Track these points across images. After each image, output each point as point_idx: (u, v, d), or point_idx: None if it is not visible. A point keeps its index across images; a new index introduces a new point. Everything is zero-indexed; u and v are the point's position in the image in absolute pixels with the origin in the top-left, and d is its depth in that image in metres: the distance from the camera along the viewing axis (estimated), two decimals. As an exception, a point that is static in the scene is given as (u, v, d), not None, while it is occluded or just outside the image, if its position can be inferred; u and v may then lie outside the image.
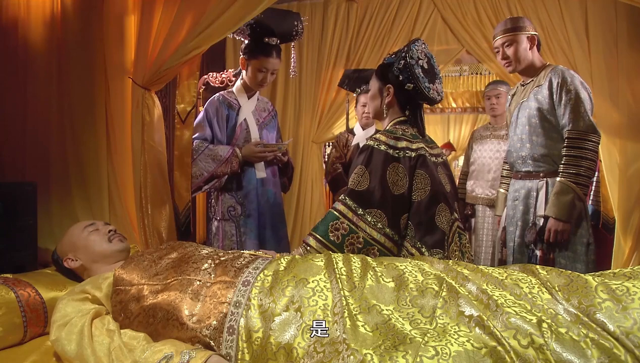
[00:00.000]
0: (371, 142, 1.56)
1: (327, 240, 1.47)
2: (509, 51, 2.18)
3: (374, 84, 1.75)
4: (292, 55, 2.33)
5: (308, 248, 1.50)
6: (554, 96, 2.06)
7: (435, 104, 1.69)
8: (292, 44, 2.30)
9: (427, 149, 1.59)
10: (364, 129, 3.14)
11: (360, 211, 1.48)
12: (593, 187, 2.84)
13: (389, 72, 1.65)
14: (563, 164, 2.01)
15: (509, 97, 2.40)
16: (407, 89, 1.60)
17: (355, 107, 3.19)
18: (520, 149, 2.19)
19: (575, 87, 2.02)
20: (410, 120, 1.66)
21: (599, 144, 2.02)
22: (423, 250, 1.49)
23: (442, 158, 1.69)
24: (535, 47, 2.20)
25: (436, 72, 1.66)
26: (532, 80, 2.19)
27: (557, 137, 2.08)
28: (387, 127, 1.67)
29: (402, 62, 1.59)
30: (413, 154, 1.53)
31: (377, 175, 1.49)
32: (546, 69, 2.15)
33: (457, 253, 1.56)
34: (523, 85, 2.26)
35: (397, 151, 1.52)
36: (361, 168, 1.52)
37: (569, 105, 2.02)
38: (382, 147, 1.52)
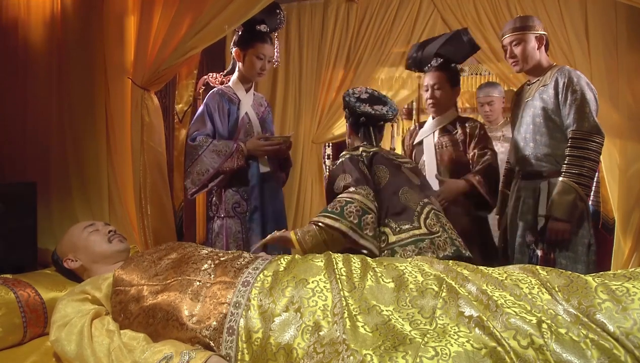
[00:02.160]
0: (339, 160, 1.88)
1: (344, 219, 1.65)
2: (517, 50, 2.16)
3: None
4: (276, 45, 2.31)
5: (321, 224, 1.66)
6: (560, 96, 2.05)
7: (388, 120, 2.00)
8: (276, 33, 2.30)
9: (384, 152, 1.91)
10: (433, 118, 2.46)
11: (347, 191, 1.73)
12: (593, 188, 2.83)
13: (346, 112, 2.03)
14: (566, 164, 2.00)
15: (515, 95, 2.38)
16: (362, 122, 1.97)
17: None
18: (523, 148, 2.19)
19: (581, 88, 2.01)
20: (372, 143, 1.98)
21: (602, 145, 2.01)
22: (391, 224, 1.71)
23: (410, 164, 1.96)
24: (543, 47, 2.18)
25: (379, 96, 2.02)
26: (538, 80, 2.18)
27: (560, 137, 2.07)
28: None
29: (346, 106, 1.99)
30: (370, 154, 1.85)
31: (354, 169, 1.77)
32: (552, 69, 2.14)
33: (437, 227, 1.72)
34: (529, 85, 2.25)
35: (358, 154, 1.85)
36: (342, 175, 1.79)
37: (574, 105, 2.01)
38: (347, 156, 1.85)
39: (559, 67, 2.15)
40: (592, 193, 2.77)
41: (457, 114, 2.39)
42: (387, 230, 1.71)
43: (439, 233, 1.71)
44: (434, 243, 1.68)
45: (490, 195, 2.16)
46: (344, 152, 1.91)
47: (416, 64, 2.43)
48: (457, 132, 2.31)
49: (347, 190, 1.71)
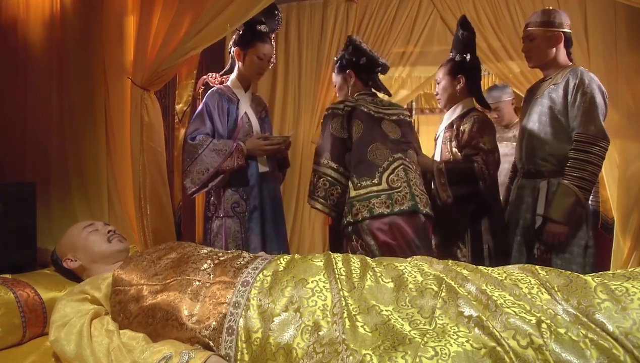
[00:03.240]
0: (325, 112, 2.07)
1: (316, 195, 1.97)
2: (532, 46, 2.13)
3: (336, 79, 2.21)
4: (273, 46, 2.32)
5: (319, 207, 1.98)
6: (569, 97, 2.02)
7: (386, 69, 2.21)
8: (273, 35, 2.31)
9: (366, 105, 2.02)
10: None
11: (316, 158, 2.00)
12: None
13: (344, 62, 2.17)
14: (568, 167, 1.98)
15: (527, 91, 2.36)
16: (363, 64, 2.12)
17: None
18: (527, 145, 2.17)
19: (591, 91, 1.98)
20: (370, 91, 2.17)
21: (607, 150, 1.98)
22: (354, 179, 1.90)
23: (396, 116, 2.10)
24: (562, 45, 2.12)
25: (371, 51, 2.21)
26: (550, 78, 2.15)
27: (564, 138, 2.05)
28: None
29: (351, 47, 2.15)
30: (346, 108, 1.99)
31: (325, 130, 1.99)
32: (566, 69, 2.10)
33: (399, 182, 1.88)
34: (542, 82, 2.22)
35: (340, 108, 2.01)
36: (320, 134, 2.06)
37: (583, 107, 1.98)
38: (330, 110, 2.03)
39: (573, 67, 2.10)
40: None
41: (468, 108, 2.27)
42: (350, 184, 1.90)
43: (399, 189, 1.86)
44: (392, 198, 1.84)
45: (442, 188, 2.06)
46: (329, 106, 2.07)
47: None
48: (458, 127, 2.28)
49: (316, 161, 1.99)
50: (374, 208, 1.82)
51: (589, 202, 2.10)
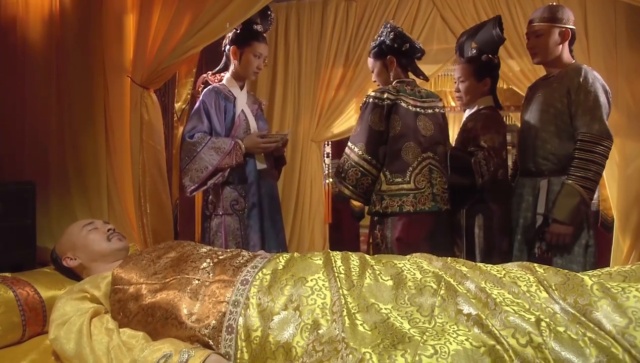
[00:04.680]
0: (366, 99, 2.07)
1: (346, 182, 2.05)
2: (539, 41, 2.10)
3: (375, 65, 2.17)
4: None
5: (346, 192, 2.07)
6: (572, 95, 2.00)
7: (423, 54, 2.19)
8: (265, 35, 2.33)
9: (406, 100, 2.04)
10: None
11: (351, 146, 2.05)
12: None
13: (384, 48, 2.12)
14: (572, 167, 1.96)
15: (528, 89, 2.34)
16: (405, 50, 2.10)
17: None
18: (528, 144, 2.16)
19: (595, 89, 1.96)
20: (408, 77, 2.17)
21: (610, 149, 1.96)
22: (387, 173, 2.00)
23: (432, 110, 2.11)
24: (567, 42, 2.10)
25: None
26: (553, 76, 2.12)
27: (566, 136, 2.03)
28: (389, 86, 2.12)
29: (392, 33, 2.10)
30: (390, 102, 2.01)
31: (363, 119, 2.03)
32: (569, 66, 2.08)
33: (424, 183, 1.99)
34: (544, 79, 2.20)
35: (381, 99, 2.02)
36: (357, 120, 2.10)
37: (586, 107, 1.96)
38: (371, 99, 2.05)
39: (575, 64, 2.08)
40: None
41: (484, 105, 2.26)
42: (382, 177, 2.00)
43: (423, 189, 1.98)
44: (416, 198, 1.97)
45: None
46: (371, 93, 2.08)
47: (459, 52, 2.36)
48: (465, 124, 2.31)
49: (350, 148, 2.05)
50: (403, 206, 1.96)
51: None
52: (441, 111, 2.17)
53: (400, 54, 2.11)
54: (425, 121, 2.05)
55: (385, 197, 1.98)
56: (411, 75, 2.21)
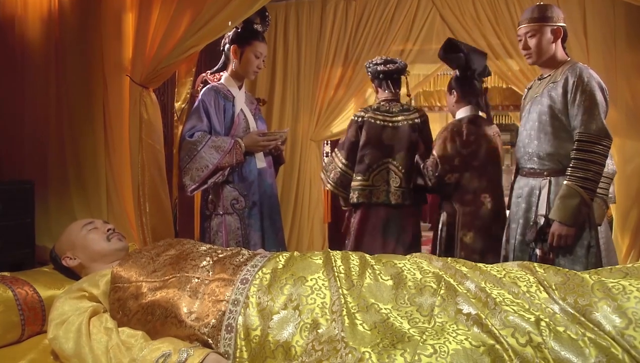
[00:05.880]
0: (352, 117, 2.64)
1: (330, 179, 2.64)
2: (532, 42, 2.07)
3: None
4: None
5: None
6: (568, 95, 1.98)
7: (400, 71, 2.58)
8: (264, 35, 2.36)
9: (374, 116, 2.53)
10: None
11: (337, 151, 2.64)
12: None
13: (369, 76, 2.67)
14: (571, 167, 1.94)
15: (526, 89, 2.33)
16: (384, 75, 2.58)
17: None
18: (527, 145, 2.15)
19: (591, 88, 1.94)
20: (390, 97, 2.59)
21: (609, 148, 1.95)
22: (355, 173, 2.52)
23: (400, 123, 2.53)
24: (559, 40, 2.08)
25: (390, 59, 2.65)
26: (549, 75, 2.10)
27: (565, 136, 2.02)
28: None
29: (375, 66, 2.60)
30: (361, 119, 2.55)
31: (347, 132, 2.60)
32: (565, 65, 2.06)
33: (381, 181, 2.49)
34: (540, 79, 2.19)
35: (357, 117, 2.57)
36: (343, 136, 2.66)
37: (583, 106, 1.94)
38: (352, 118, 2.62)
39: (571, 63, 2.07)
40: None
41: (460, 119, 2.52)
42: (354, 176, 2.54)
43: (379, 186, 2.49)
44: (372, 193, 2.49)
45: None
46: (354, 113, 2.65)
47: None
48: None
49: (334, 152, 2.67)
50: (359, 198, 2.49)
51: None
52: (415, 122, 2.54)
53: (380, 79, 2.57)
54: (389, 132, 2.51)
55: (353, 191, 2.51)
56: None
